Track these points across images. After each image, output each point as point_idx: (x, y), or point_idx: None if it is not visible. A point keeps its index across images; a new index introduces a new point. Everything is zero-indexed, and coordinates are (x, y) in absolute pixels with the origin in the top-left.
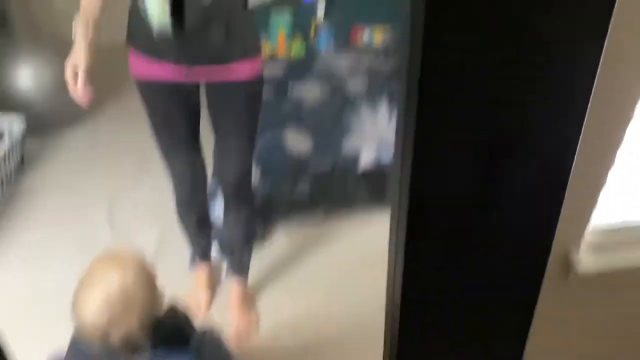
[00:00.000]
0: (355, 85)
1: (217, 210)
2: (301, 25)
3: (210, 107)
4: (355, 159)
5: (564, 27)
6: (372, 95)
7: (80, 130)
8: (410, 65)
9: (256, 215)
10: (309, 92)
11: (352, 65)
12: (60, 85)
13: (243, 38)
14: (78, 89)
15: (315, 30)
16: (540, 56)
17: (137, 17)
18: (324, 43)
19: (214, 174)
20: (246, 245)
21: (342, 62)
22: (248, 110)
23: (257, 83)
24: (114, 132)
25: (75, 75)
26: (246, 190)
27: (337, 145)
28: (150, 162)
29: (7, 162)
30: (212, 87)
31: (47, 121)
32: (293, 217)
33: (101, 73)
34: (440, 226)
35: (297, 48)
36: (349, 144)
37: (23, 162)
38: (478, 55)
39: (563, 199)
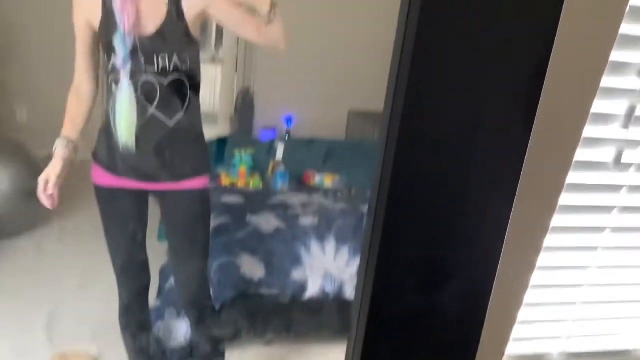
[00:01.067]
0: (306, 220)
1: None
2: (260, 164)
3: (163, 212)
4: (302, 287)
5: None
6: (321, 231)
7: (30, 239)
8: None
9: (219, 322)
10: (265, 222)
11: (304, 202)
12: (16, 194)
13: (195, 160)
14: (46, 195)
15: (273, 169)
16: (459, 205)
17: (105, 135)
18: (280, 181)
19: (175, 286)
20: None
21: (295, 199)
22: (197, 214)
23: (204, 191)
24: (61, 244)
25: (47, 183)
26: (205, 297)
27: (287, 273)
28: (93, 276)
29: None
30: (164, 195)
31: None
32: (239, 337)
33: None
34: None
35: (255, 182)
36: (298, 273)
37: None
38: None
39: (482, 328)
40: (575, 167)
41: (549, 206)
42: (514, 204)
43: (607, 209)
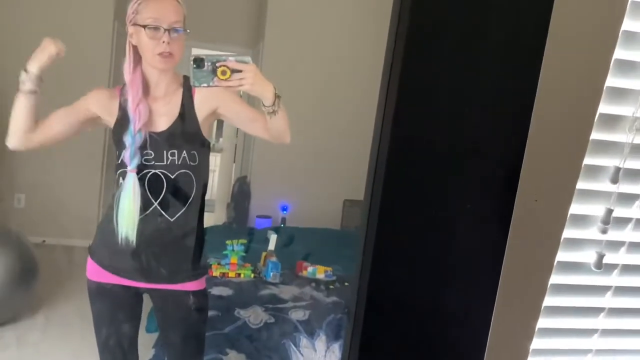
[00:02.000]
0: (297, 314)
1: None
2: (252, 254)
3: (157, 307)
4: None
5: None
6: (311, 326)
7: (16, 329)
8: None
9: None
10: (253, 316)
11: (295, 295)
12: (5, 283)
13: (193, 260)
14: None
15: (264, 261)
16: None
17: (103, 231)
18: (271, 271)
19: None
20: None
21: (286, 291)
22: (193, 313)
23: (201, 293)
24: (45, 336)
25: None
26: None
27: None
28: None
29: None
30: (159, 292)
31: None
32: None
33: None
34: None
35: (246, 272)
36: None
37: None
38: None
39: None
40: (557, 268)
41: (533, 308)
42: (494, 308)
43: (595, 311)
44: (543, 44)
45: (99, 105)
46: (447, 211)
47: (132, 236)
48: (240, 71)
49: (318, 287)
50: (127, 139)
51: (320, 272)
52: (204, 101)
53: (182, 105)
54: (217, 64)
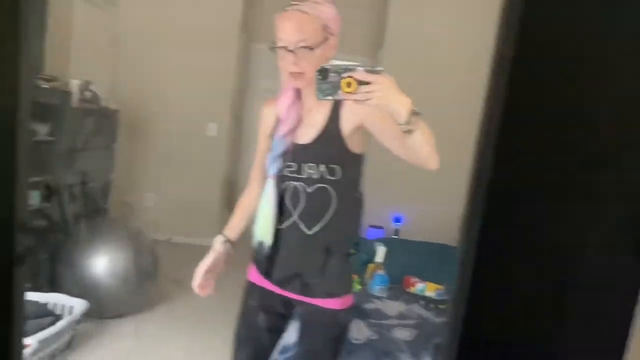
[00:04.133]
0: (402, 333)
1: None
2: (359, 265)
3: (296, 322)
4: None
5: None
6: (416, 347)
7: (136, 321)
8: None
9: None
10: (356, 330)
11: (401, 312)
12: (127, 278)
13: (333, 277)
14: (197, 285)
15: (371, 273)
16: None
17: (263, 250)
18: (377, 285)
19: None
20: None
21: (391, 307)
22: (329, 333)
23: (342, 313)
24: (161, 329)
25: (199, 274)
26: None
27: None
28: None
29: (56, 342)
30: (301, 306)
31: (108, 308)
32: None
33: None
34: None
35: (354, 284)
36: None
37: (71, 343)
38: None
39: None
40: None
41: None
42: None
43: None
44: None
45: (266, 123)
46: (563, 235)
47: (268, 242)
48: (368, 83)
49: (427, 305)
50: (274, 145)
51: (430, 290)
52: (351, 114)
53: (329, 118)
54: (343, 75)
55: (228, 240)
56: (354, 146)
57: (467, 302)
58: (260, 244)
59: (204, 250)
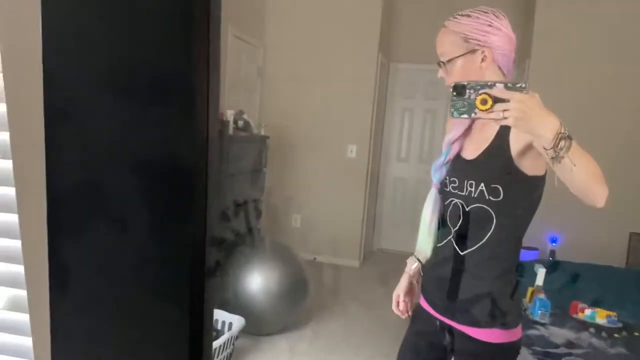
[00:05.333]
0: None
1: None
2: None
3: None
4: None
5: None
6: None
7: (288, 339)
8: None
9: None
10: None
11: (569, 340)
12: (282, 295)
13: (488, 305)
14: (397, 309)
15: (531, 296)
16: None
17: (427, 266)
18: (539, 310)
19: None
20: None
21: (558, 335)
22: None
23: (504, 349)
24: (311, 347)
25: (398, 297)
26: None
27: None
28: None
29: (218, 356)
30: (456, 333)
31: (263, 325)
32: None
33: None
34: None
35: None
36: None
37: (231, 357)
38: None
39: None
40: None
41: None
42: None
43: None
44: None
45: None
46: None
47: (426, 251)
48: (506, 101)
49: (599, 333)
50: (442, 154)
51: (601, 317)
52: (519, 134)
53: (497, 134)
54: (480, 92)
55: (418, 262)
56: (527, 167)
57: None
58: (421, 251)
59: (347, 270)
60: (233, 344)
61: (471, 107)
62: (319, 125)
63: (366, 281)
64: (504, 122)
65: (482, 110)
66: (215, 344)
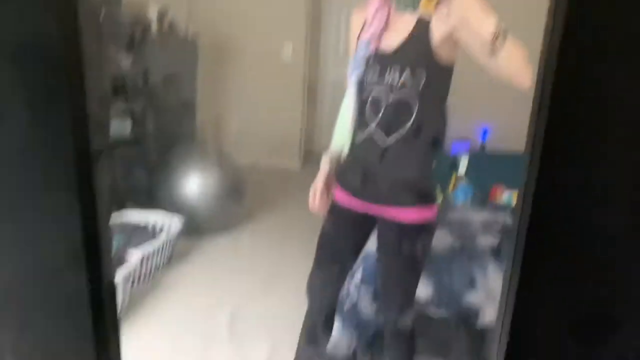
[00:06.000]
0: (486, 241)
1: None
2: (441, 177)
3: (378, 237)
4: (475, 314)
5: None
6: (502, 254)
7: (227, 238)
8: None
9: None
10: (439, 240)
11: (486, 221)
12: (219, 196)
13: (412, 187)
14: (314, 204)
15: (454, 184)
16: None
17: (346, 160)
18: (461, 196)
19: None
20: None
21: (476, 217)
22: (412, 244)
23: (425, 226)
24: (254, 245)
25: (314, 193)
26: (405, 324)
27: (458, 296)
28: (278, 276)
29: (157, 257)
30: (382, 222)
31: (202, 225)
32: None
33: (261, 193)
34: None
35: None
36: (472, 298)
37: (170, 259)
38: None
39: None
40: None
41: None
42: None
43: None
44: None
45: (355, 30)
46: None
47: (345, 146)
48: None
49: (513, 214)
50: (357, 49)
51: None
52: (441, 22)
53: (416, 25)
54: None
55: (333, 158)
56: (442, 57)
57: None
58: (340, 147)
59: (286, 173)
60: (172, 247)
61: (415, 3)
62: (251, 25)
63: (306, 183)
64: (448, 21)
65: (425, 8)
66: (154, 245)
